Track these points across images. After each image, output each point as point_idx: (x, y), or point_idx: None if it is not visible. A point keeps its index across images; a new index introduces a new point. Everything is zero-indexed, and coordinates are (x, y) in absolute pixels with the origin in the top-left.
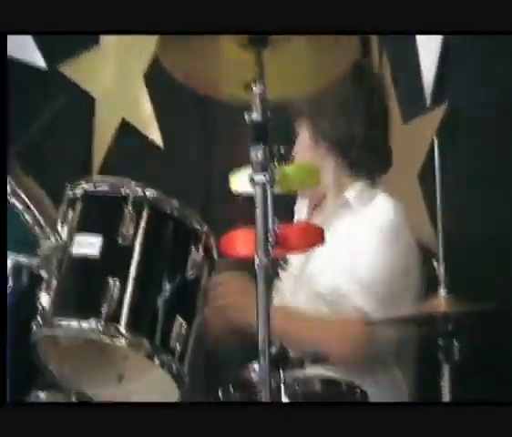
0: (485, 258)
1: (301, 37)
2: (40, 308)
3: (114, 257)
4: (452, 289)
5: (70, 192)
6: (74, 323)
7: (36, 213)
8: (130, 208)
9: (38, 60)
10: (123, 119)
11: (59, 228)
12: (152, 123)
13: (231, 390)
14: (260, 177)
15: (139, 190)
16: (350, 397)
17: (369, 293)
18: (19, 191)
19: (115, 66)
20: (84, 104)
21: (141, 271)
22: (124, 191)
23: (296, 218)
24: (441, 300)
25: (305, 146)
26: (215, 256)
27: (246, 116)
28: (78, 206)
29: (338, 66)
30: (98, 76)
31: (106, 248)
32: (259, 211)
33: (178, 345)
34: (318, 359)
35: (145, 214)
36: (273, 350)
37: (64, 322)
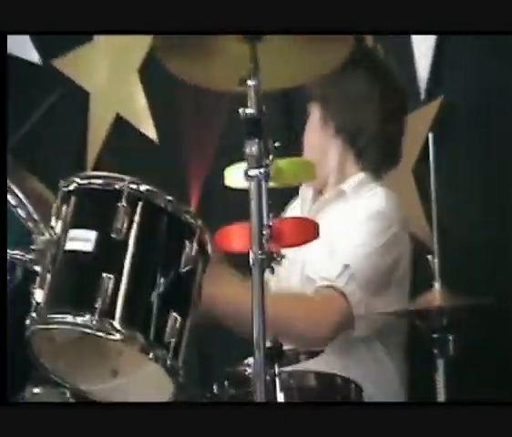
0: (480, 252)
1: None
2: (34, 303)
3: (108, 252)
4: (447, 283)
5: (64, 187)
6: (68, 318)
7: (30, 208)
8: (124, 202)
9: (33, 55)
10: (117, 114)
11: (53, 223)
12: (147, 118)
13: (226, 384)
14: (254, 172)
15: (134, 185)
16: (344, 391)
17: (355, 281)
18: (13, 186)
19: (109, 60)
20: (78, 99)
21: (135, 266)
22: (118, 186)
23: (300, 205)
24: (436, 295)
25: (315, 126)
26: (209, 250)
27: (241, 111)
28: (72, 201)
29: (333, 57)
30: (93, 71)
31: (100, 243)
32: (253, 206)
33: (172, 340)
34: (313, 354)
35: (139, 209)
36: (268, 344)
37: (58, 317)
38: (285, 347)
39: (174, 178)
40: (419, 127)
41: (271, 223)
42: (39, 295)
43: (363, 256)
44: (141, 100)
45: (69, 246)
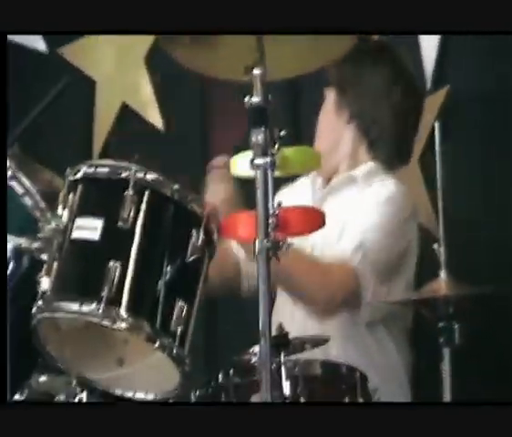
0: (485, 241)
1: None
2: (40, 291)
3: (114, 240)
4: (453, 272)
5: (71, 175)
6: (74, 306)
7: (37, 196)
8: (131, 191)
9: (39, 44)
10: (124, 103)
11: (60, 211)
12: (153, 106)
13: (232, 373)
14: (260, 161)
15: (140, 173)
16: (350, 380)
17: (367, 262)
18: (20, 174)
19: (116, 49)
20: (84, 87)
21: (142, 254)
22: (125, 175)
23: (311, 193)
24: (442, 284)
25: (329, 110)
26: (216, 239)
27: (246, 100)
28: (79, 189)
29: (339, 46)
30: (99, 59)
31: (106, 232)
32: (259, 194)
33: (178, 328)
34: (319, 342)
35: (145, 197)
36: (274, 333)
37: (64, 305)
38: (291, 335)
39: (180, 167)
40: (426, 117)
41: (277, 212)
42: (45, 283)
43: (375, 240)
44: (147, 88)
45: (76, 234)
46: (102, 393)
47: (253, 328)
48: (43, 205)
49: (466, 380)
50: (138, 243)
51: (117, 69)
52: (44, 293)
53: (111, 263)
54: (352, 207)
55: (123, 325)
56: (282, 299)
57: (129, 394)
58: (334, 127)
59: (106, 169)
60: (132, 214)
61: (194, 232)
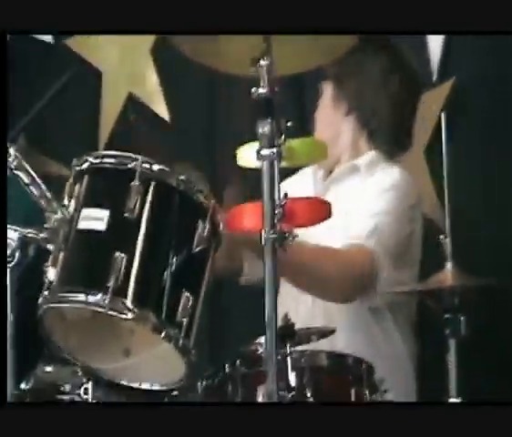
0: (491, 233)
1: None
2: (47, 281)
3: (120, 231)
4: (459, 263)
5: (77, 166)
6: (80, 297)
7: (43, 186)
8: (137, 181)
9: (45, 35)
10: (130, 93)
11: (66, 201)
12: (159, 97)
13: (238, 363)
14: (267, 152)
15: (146, 164)
16: (356, 371)
17: (381, 245)
18: (26, 165)
19: (121, 39)
20: (91, 78)
21: (148, 245)
22: (131, 165)
23: (313, 184)
24: (447, 275)
25: (327, 104)
26: (222, 229)
27: (253, 91)
28: (85, 180)
29: (339, 44)
30: (105, 49)
31: (112, 222)
32: (265, 186)
33: (184, 319)
34: (325, 334)
35: (151, 188)
36: (280, 323)
37: (70, 296)
38: (297, 326)
39: (186, 158)
40: (432, 108)
41: (283, 202)
42: (52, 273)
43: (385, 223)
44: (153, 79)
45: (82, 225)
46: (108, 383)
47: (259, 318)
48: (49, 195)
49: (471, 372)
50: (144, 234)
51: (124, 60)
52: (50, 283)
53: (117, 254)
54: (356, 195)
55: (129, 315)
56: (286, 290)
57: (135, 384)
58: (333, 121)
59: (112, 160)
60: (138, 204)
61: (200, 223)
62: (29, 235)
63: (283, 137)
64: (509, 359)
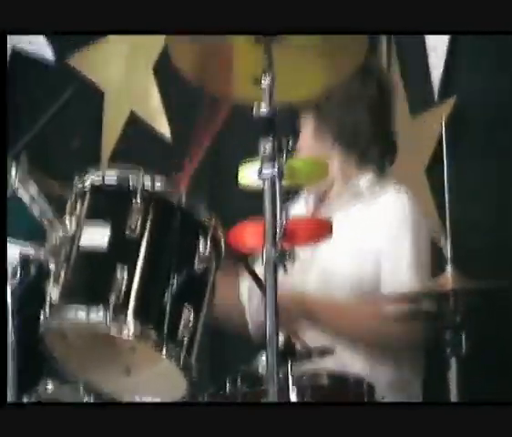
0: (491, 244)
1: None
2: (48, 299)
3: (122, 249)
4: (459, 267)
5: (79, 184)
6: (81, 315)
7: (45, 205)
8: (138, 200)
9: (47, 53)
10: (132, 111)
11: (67, 219)
12: (161, 115)
13: (239, 382)
14: (268, 171)
15: (148, 183)
16: (357, 390)
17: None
18: (27, 183)
19: (124, 58)
20: (93, 96)
21: (149, 263)
22: (132, 183)
23: (305, 211)
24: (448, 279)
25: (308, 141)
26: (223, 248)
27: (255, 109)
28: (87, 198)
29: (348, 62)
30: (107, 68)
31: (114, 240)
32: (267, 204)
33: (185, 337)
34: (325, 352)
35: (153, 206)
36: (281, 342)
37: (71, 313)
38: (297, 346)
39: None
40: (433, 126)
41: (284, 221)
42: (53, 292)
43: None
44: (155, 97)
45: (83, 243)
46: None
47: (260, 338)
48: (50, 213)
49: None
50: (145, 252)
51: (126, 78)
52: (51, 302)
53: (118, 272)
54: (365, 226)
55: (130, 333)
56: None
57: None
58: (318, 152)
59: (113, 178)
60: (139, 223)
61: (201, 241)
62: (31, 253)
63: (285, 156)
64: (509, 359)
